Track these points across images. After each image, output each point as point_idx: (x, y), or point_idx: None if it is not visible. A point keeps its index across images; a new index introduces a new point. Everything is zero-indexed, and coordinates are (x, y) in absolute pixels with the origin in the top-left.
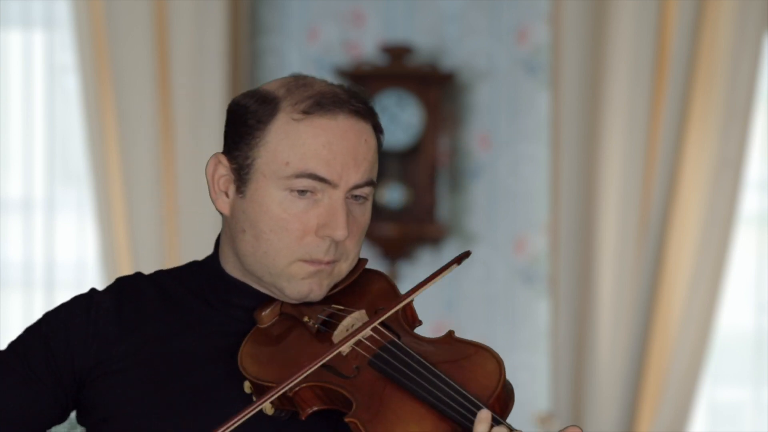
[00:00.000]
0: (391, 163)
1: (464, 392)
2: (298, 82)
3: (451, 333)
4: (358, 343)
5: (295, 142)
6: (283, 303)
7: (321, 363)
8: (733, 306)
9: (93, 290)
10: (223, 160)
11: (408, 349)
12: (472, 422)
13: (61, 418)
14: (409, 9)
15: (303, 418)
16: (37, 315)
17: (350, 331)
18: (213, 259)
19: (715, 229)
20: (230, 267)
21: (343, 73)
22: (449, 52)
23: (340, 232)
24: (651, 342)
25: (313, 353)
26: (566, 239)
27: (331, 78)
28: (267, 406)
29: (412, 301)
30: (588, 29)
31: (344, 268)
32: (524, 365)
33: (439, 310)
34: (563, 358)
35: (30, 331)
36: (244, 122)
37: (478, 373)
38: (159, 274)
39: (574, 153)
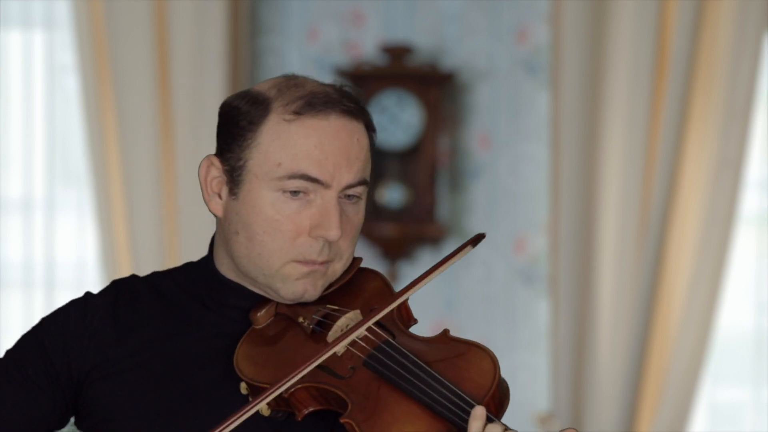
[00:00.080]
0: (391, 163)
1: (459, 392)
2: (290, 82)
3: (446, 332)
4: (353, 343)
5: (286, 143)
6: (278, 303)
7: (312, 364)
8: (733, 306)
9: (88, 294)
10: (216, 161)
11: (402, 349)
12: (466, 422)
13: (62, 423)
14: (409, 9)
15: (299, 419)
16: (37, 315)
17: (344, 331)
18: (208, 261)
19: (715, 229)
20: (225, 268)
21: (343, 73)
22: (449, 52)
23: (333, 233)
24: (651, 342)
25: (308, 354)
26: (566, 239)
27: (331, 78)
28: (263, 407)
29: (407, 300)
30: (588, 29)
31: (338, 268)
32: (524, 365)
33: (438, 310)
34: (563, 358)
35: (26, 338)
36: (236, 123)
37: (473, 372)
38: (154, 275)
39: (574, 153)
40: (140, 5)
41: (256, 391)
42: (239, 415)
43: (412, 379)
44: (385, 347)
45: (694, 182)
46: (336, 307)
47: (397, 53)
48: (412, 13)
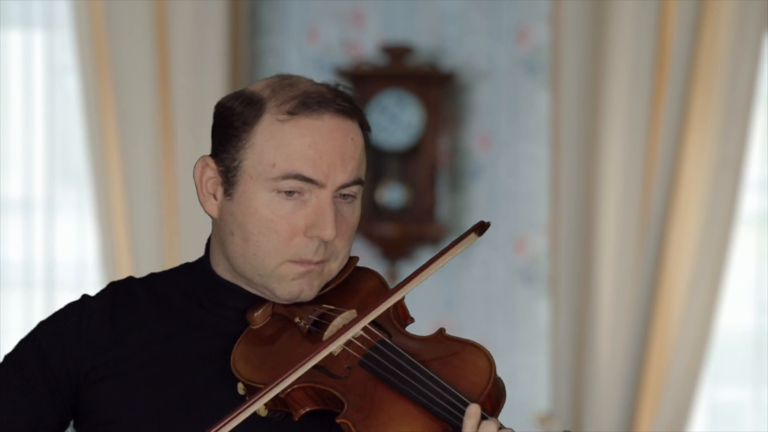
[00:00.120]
0: (391, 163)
1: (454, 391)
2: (283, 82)
3: (441, 330)
4: (349, 343)
5: (280, 143)
6: (275, 303)
7: (305, 365)
8: (733, 306)
9: (85, 296)
10: (210, 162)
11: (398, 349)
12: (462, 421)
13: (61, 427)
14: (409, 9)
15: (296, 419)
16: (37, 315)
17: (338, 331)
18: (204, 262)
19: (715, 229)
20: (221, 269)
21: (343, 73)
22: (449, 52)
23: (328, 232)
24: (651, 342)
25: (304, 354)
26: (566, 239)
27: (331, 78)
28: (260, 408)
29: (403, 299)
30: (588, 29)
31: (334, 267)
32: (524, 365)
33: (439, 310)
34: (563, 358)
35: (24, 343)
36: (230, 124)
37: (469, 370)
38: (151, 277)
39: (574, 153)
40: (140, 5)
41: (253, 392)
42: (233, 416)
43: (407, 378)
44: (380, 347)
45: (694, 182)
46: (332, 307)
47: (397, 53)
48: (412, 13)
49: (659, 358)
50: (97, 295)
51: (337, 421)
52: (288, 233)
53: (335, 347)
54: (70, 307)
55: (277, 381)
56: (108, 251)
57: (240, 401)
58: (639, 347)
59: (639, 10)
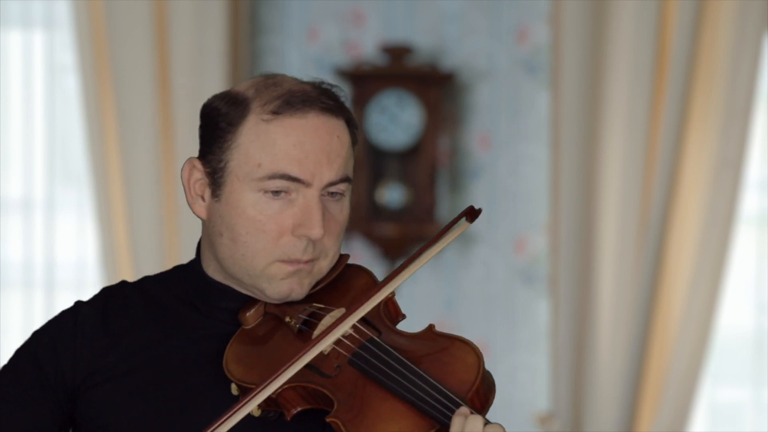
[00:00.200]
0: (391, 163)
1: (442, 388)
2: (268, 81)
3: (431, 327)
4: (339, 342)
5: (266, 143)
6: (267, 303)
7: (294, 364)
8: (733, 306)
9: (78, 302)
10: (197, 164)
11: (386, 347)
12: (449, 418)
13: None
14: (409, 9)
15: (288, 419)
16: (37, 315)
17: (327, 329)
18: (195, 264)
19: (715, 229)
20: (212, 270)
21: (343, 73)
22: (449, 52)
23: (315, 231)
24: (651, 342)
25: (294, 354)
26: (566, 239)
27: (331, 78)
28: (253, 408)
29: (393, 295)
30: (588, 29)
31: (324, 265)
32: (524, 365)
33: (439, 310)
34: (563, 358)
35: (20, 354)
36: (216, 125)
37: (457, 366)
38: (145, 280)
39: (574, 153)
40: (140, 5)
41: (246, 392)
42: (224, 419)
43: (395, 376)
44: (369, 345)
45: (694, 182)
46: (322, 306)
47: (397, 53)
48: (412, 13)
49: (659, 358)
50: (90, 300)
51: (327, 420)
52: (276, 233)
53: (324, 346)
54: (64, 314)
55: (267, 382)
56: (108, 251)
57: (234, 401)
58: (639, 347)
59: (639, 10)
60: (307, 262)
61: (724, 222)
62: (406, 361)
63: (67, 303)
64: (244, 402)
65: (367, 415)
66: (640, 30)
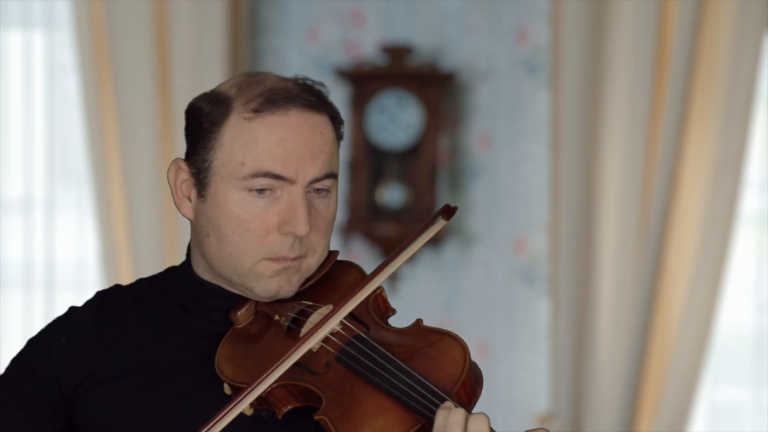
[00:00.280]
0: (391, 163)
1: (427, 383)
2: (250, 80)
3: (419, 321)
4: (327, 339)
5: (248, 142)
6: (257, 301)
7: (284, 363)
8: (733, 306)
9: (72, 308)
10: (183, 165)
11: (373, 342)
12: (434, 412)
13: None
14: (409, 9)
15: (279, 417)
16: (37, 315)
17: (314, 327)
18: (186, 265)
19: (715, 229)
20: (201, 271)
21: (343, 73)
22: (449, 52)
23: (301, 228)
24: (651, 342)
25: (283, 352)
26: (566, 239)
27: (331, 78)
28: (246, 407)
29: (381, 290)
30: (588, 29)
31: (313, 262)
32: (524, 365)
33: (439, 310)
34: (563, 358)
35: (15, 362)
36: (200, 125)
37: (444, 361)
38: (138, 283)
39: (574, 153)
40: (140, 5)
41: (238, 392)
42: (216, 419)
43: (381, 372)
44: (355, 342)
45: (694, 182)
46: (310, 303)
47: (397, 53)
48: (412, 13)
49: (659, 358)
50: (84, 305)
51: (315, 417)
52: (262, 231)
53: (312, 344)
54: (58, 321)
55: (257, 381)
56: (108, 251)
57: (227, 402)
58: (639, 347)
59: (639, 10)
60: (294, 259)
61: (724, 222)
62: (391, 356)
63: (67, 303)
64: (235, 402)
65: (354, 411)
66: (640, 30)
